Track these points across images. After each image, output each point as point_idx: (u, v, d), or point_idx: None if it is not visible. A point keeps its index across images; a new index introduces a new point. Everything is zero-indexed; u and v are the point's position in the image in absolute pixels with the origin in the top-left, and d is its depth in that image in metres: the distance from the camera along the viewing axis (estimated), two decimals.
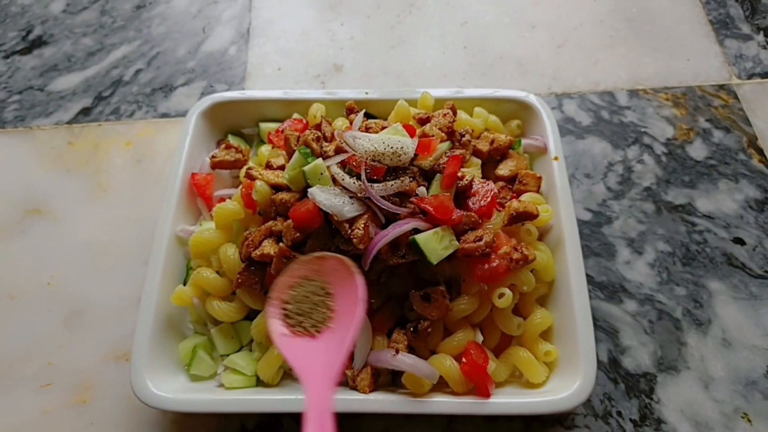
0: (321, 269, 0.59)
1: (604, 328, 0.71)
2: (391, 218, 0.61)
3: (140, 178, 0.86)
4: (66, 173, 0.87)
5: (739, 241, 0.77)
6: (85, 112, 0.93)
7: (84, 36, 1.03)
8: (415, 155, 0.64)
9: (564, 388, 0.59)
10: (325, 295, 0.57)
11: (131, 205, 0.84)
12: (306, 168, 0.62)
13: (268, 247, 0.62)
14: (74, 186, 0.86)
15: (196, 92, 0.95)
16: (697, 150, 0.85)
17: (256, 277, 0.64)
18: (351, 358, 0.63)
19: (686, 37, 0.97)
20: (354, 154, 0.63)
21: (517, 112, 0.80)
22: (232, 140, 0.82)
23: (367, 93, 0.80)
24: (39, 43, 1.02)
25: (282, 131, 0.78)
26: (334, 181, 0.62)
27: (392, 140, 0.63)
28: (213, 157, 0.77)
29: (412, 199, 0.62)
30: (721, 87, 0.91)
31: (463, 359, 0.60)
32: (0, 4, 1.08)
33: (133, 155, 0.89)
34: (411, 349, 0.62)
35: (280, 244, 0.62)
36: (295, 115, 0.80)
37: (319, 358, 0.53)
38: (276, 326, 0.56)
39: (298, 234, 0.61)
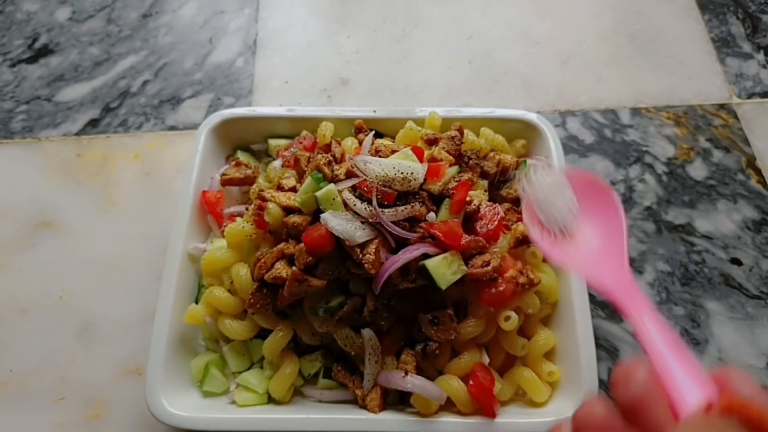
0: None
1: (604, 347, 0.73)
2: (401, 243, 0.63)
3: (149, 192, 0.87)
4: (75, 186, 0.88)
5: (737, 262, 0.79)
6: (93, 123, 0.94)
7: (90, 45, 1.03)
8: (425, 180, 0.66)
9: (567, 408, 0.62)
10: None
11: (141, 219, 0.85)
12: (318, 193, 0.63)
13: (281, 270, 0.63)
14: (84, 199, 0.87)
15: (203, 105, 0.96)
16: (697, 170, 0.87)
17: (268, 298, 0.65)
18: (360, 377, 0.65)
19: (688, 55, 0.99)
20: (365, 179, 0.64)
21: (522, 131, 0.81)
22: (242, 156, 0.83)
23: (375, 111, 0.81)
24: (45, 51, 1.03)
25: (290, 148, 0.79)
26: (346, 206, 0.63)
27: (402, 165, 0.65)
28: (223, 174, 0.78)
29: (422, 224, 0.63)
30: (722, 106, 0.93)
31: (470, 381, 0.62)
32: (5, 11, 1.08)
33: (141, 168, 0.90)
34: (419, 370, 0.64)
35: (293, 267, 0.63)
36: (304, 132, 0.82)
37: (610, 265, 0.49)
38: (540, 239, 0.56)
39: (310, 258, 0.62)
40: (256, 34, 1.04)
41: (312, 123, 0.82)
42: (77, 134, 0.93)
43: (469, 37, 1.02)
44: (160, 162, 0.90)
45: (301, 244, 0.62)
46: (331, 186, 0.63)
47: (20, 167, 0.90)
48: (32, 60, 1.02)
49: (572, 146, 0.89)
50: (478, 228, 0.67)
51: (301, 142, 0.80)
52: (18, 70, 1.01)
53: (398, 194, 0.64)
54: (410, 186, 0.64)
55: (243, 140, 0.84)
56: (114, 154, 0.91)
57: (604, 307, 0.76)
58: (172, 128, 0.93)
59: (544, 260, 0.71)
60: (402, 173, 0.64)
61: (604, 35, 1.01)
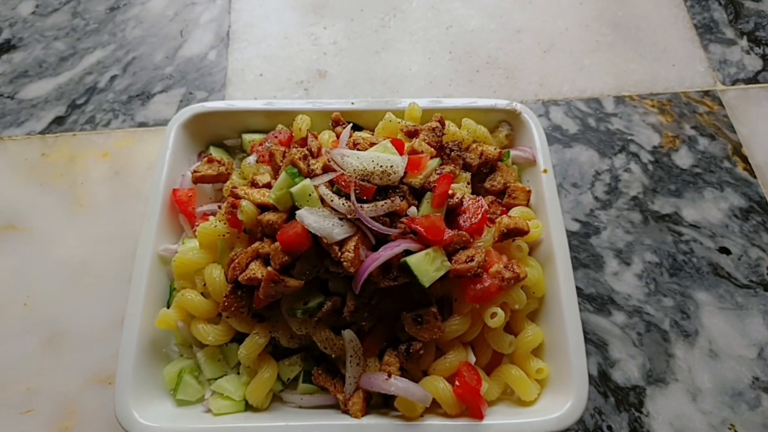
0: None
1: (593, 341, 0.71)
2: (382, 239, 0.60)
3: (119, 192, 0.83)
4: (41, 187, 0.84)
5: (725, 251, 0.77)
6: (59, 121, 0.90)
7: (55, 40, 0.99)
8: (405, 173, 0.63)
9: (556, 406, 0.59)
10: None
11: (110, 220, 0.81)
12: (293, 189, 0.60)
13: (256, 270, 0.60)
14: (50, 200, 0.83)
15: (175, 100, 0.92)
16: (683, 158, 0.85)
17: (243, 300, 0.62)
18: (342, 381, 0.62)
19: (671, 42, 0.97)
20: (342, 173, 0.61)
21: (505, 121, 0.79)
22: (214, 152, 0.79)
23: (353, 103, 0.78)
24: (8, 47, 0.98)
25: (265, 143, 0.76)
26: (323, 201, 0.60)
27: (381, 158, 0.62)
28: (195, 171, 0.74)
29: (403, 219, 0.60)
30: (706, 93, 0.91)
31: (456, 382, 0.59)
32: None
33: (110, 167, 0.86)
34: (403, 371, 0.61)
35: (268, 267, 0.60)
36: (280, 127, 0.78)
37: None
38: None
39: (286, 257, 0.59)
40: (229, 25, 1.00)
41: (288, 116, 0.78)
42: (42, 133, 0.89)
43: (449, 26, 0.99)
44: (130, 160, 0.86)
45: (277, 243, 0.59)
46: (307, 181, 0.60)
47: None
48: None
49: (556, 136, 0.87)
50: (461, 222, 0.64)
51: (276, 137, 0.76)
52: None
53: (378, 188, 0.61)
54: (390, 180, 0.62)
55: (216, 136, 0.80)
56: (81, 152, 0.87)
57: (591, 300, 0.74)
58: (142, 125, 0.89)
59: (530, 254, 0.69)
60: (381, 166, 0.61)
61: (586, 23, 0.99)
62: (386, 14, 1.01)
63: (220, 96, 0.92)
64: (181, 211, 0.73)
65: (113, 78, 0.94)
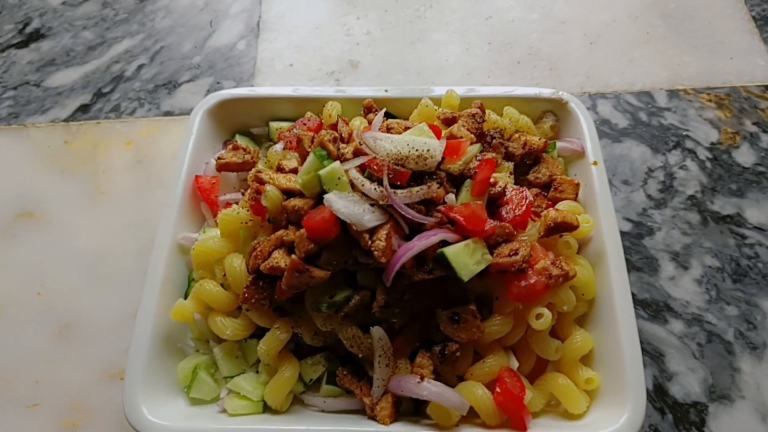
0: None
1: (648, 351, 0.64)
2: (416, 228, 0.55)
3: (141, 181, 0.80)
4: (62, 174, 0.81)
5: None
6: (84, 109, 0.88)
7: (84, 29, 0.97)
8: (443, 159, 0.58)
9: (609, 421, 0.53)
10: None
11: (131, 209, 0.78)
12: (322, 172, 0.55)
13: (279, 259, 0.56)
14: (70, 188, 0.80)
15: (202, 89, 0.89)
16: (745, 155, 0.78)
17: (264, 291, 0.57)
18: (369, 383, 0.56)
19: (728, 34, 0.90)
20: (375, 157, 0.56)
21: (549, 112, 0.73)
22: (240, 140, 0.76)
23: (386, 91, 0.74)
24: (36, 36, 0.97)
25: (293, 130, 0.72)
26: (353, 186, 0.56)
27: (417, 142, 0.57)
28: (219, 158, 0.71)
29: (440, 207, 0.55)
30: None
31: (497, 388, 0.54)
32: None
33: (134, 156, 0.83)
34: (437, 375, 0.55)
35: (292, 255, 0.55)
36: (309, 114, 0.74)
37: None
38: None
39: (312, 245, 0.54)
40: (260, 16, 0.97)
41: (317, 104, 0.74)
42: (66, 120, 0.87)
43: (488, 17, 0.95)
44: (154, 149, 0.83)
45: (302, 230, 0.55)
46: (337, 164, 0.56)
47: (4, 155, 0.84)
48: (22, 45, 0.96)
49: (604, 130, 0.81)
50: (503, 213, 0.59)
51: (304, 124, 0.72)
52: (7, 55, 0.95)
53: (413, 174, 0.56)
54: (426, 165, 0.57)
55: (242, 124, 0.77)
56: (105, 141, 0.84)
57: (645, 307, 0.67)
58: (168, 114, 0.87)
59: (579, 252, 0.63)
60: (417, 150, 0.56)
61: (636, 14, 0.94)
62: (421, 5, 0.97)
63: (249, 86, 0.89)
64: (203, 199, 0.69)
65: (140, 67, 0.92)
